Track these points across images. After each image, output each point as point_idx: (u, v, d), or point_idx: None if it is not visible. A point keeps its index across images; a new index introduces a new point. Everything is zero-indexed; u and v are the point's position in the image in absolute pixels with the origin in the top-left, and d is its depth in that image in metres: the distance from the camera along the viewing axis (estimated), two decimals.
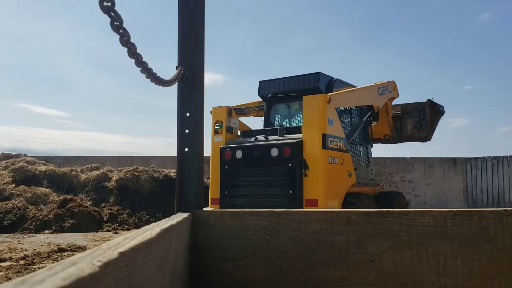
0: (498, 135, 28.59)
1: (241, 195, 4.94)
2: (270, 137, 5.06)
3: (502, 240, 1.34)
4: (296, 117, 6.19)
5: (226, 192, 5.01)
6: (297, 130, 5.09)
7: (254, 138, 5.13)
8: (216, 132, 5.36)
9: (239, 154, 4.98)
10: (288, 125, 6.11)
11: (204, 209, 5.12)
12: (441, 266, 1.34)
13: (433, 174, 14.72)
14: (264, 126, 6.08)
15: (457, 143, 29.54)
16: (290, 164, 4.64)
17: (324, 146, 4.61)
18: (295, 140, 4.74)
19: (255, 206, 4.19)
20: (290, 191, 4.63)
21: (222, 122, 5.29)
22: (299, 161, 4.61)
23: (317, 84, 5.61)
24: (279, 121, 6.39)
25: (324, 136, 4.62)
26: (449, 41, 33.41)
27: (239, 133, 5.66)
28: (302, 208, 4.53)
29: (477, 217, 1.36)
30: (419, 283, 1.34)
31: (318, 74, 5.66)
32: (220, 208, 4.85)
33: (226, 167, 5.04)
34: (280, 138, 4.96)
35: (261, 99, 6.30)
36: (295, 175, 4.62)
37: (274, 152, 4.77)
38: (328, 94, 4.92)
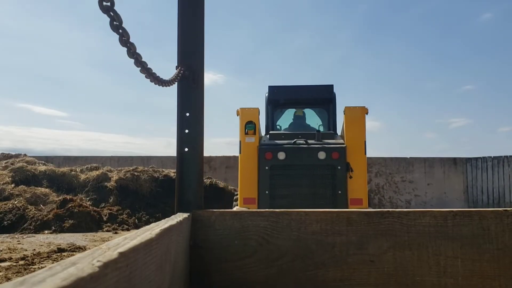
0: (499, 135, 28.54)
1: (283, 195, 5.12)
2: (309, 141, 5.36)
3: (502, 241, 1.34)
4: (305, 124, 6.46)
5: (267, 192, 5.13)
6: (329, 135, 5.55)
7: (293, 140, 5.33)
8: (245, 132, 5.38)
9: (282, 155, 5.15)
10: (289, 129, 6.36)
11: (235, 208, 5.09)
12: (442, 267, 1.34)
13: (433, 174, 14.72)
14: (268, 130, 6.31)
15: (458, 143, 29.51)
16: (339, 167, 5.06)
17: (365, 152, 5.19)
18: (343, 145, 5.17)
19: (299, 205, 4.61)
20: (339, 192, 5.04)
21: (254, 123, 5.34)
22: (345, 164, 5.07)
23: (331, 95, 6.21)
24: (281, 125, 6.72)
25: (365, 143, 5.19)
26: (450, 41, 33.38)
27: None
28: (348, 206, 5.03)
29: (477, 217, 1.36)
30: (420, 284, 1.34)
31: (332, 86, 6.24)
32: (259, 207, 5.04)
33: (266, 167, 5.15)
34: (319, 142, 5.29)
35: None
36: (342, 177, 5.05)
37: (322, 155, 5.10)
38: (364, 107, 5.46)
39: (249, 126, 5.33)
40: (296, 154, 5.17)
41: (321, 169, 5.12)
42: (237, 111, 5.45)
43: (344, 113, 5.34)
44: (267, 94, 6.46)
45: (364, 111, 5.24)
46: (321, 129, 6.39)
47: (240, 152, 5.35)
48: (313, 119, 6.63)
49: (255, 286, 1.36)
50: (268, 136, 5.69)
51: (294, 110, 6.58)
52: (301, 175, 5.14)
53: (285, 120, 6.71)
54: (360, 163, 5.11)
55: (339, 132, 5.96)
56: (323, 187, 5.12)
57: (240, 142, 5.32)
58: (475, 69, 32.09)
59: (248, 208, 4.95)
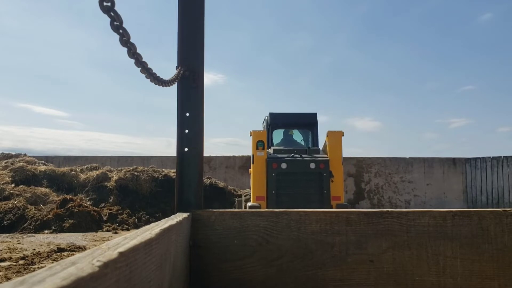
0: (498, 135, 28.59)
1: (285, 194, 6.82)
2: (302, 155, 7.15)
3: (501, 241, 1.35)
4: (293, 140, 8.33)
5: (274, 192, 6.79)
6: (316, 151, 7.30)
7: (292, 155, 7.08)
8: (257, 148, 7.08)
9: (284, 165, 6.86)
10: (281, 144, 8.16)
11: (249, 204, 6.03)
12: (441, 267, 1.34)
13: (432, 174, 14.73)
14: (268, 145, 7.80)
15: (457, 143, 29.55)
16: (324, 174, 6.81)
17: (342, 163, 6.98)
18: (327, 158, 6.92)
19: (297, 201, 6.67)
20: (325, 191, 6.77)
21: (263, 141, 7.04)
22: (329, 172, 6.80)
23: (315, 120, 8.30)
24: (277, 142, 8.50)
25: (341, 157, 6.98)
26: (450, 41, 33.36)
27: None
28: (330, 202, 6.66)
29: (476, 217, 1.36)
30: (419, 283, 1.34)
31: (316, 114, 8.42)
32: (267, 204, 6.69)
33: (273, 174, 6.82)
34: (310, 156, 7.03)
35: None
36: (327, 181, 6.78)
37: (312, 165, 6.84)
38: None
39: (259, 144, 7.04)
40: (294, 164, 6.92)
41: (312, 175, 6.87)
42: (250, 133, 7.16)
43: (327, 135, 7.11)
44: (267, 118, 8.30)
45: (341, 134, 7.11)
46: (303, 143, 8.35)
47: (252, 163, 7.06)
48: (298, 137, 8.65)
49: (255, 285, 1.36)
50: (271, 151, 7.41)
51: (281, 130, 8.53)
52: (298, 179, 6.86)
53: (274, 136, 8.53)
54: (338, 171, 6.91)
55: (320, 147, 7.62)
56: (313, 188, 6.87)
57: (253, 155, 7.05)
58: (475, 69, 32.11)
59: (259, 204, 6.63)
